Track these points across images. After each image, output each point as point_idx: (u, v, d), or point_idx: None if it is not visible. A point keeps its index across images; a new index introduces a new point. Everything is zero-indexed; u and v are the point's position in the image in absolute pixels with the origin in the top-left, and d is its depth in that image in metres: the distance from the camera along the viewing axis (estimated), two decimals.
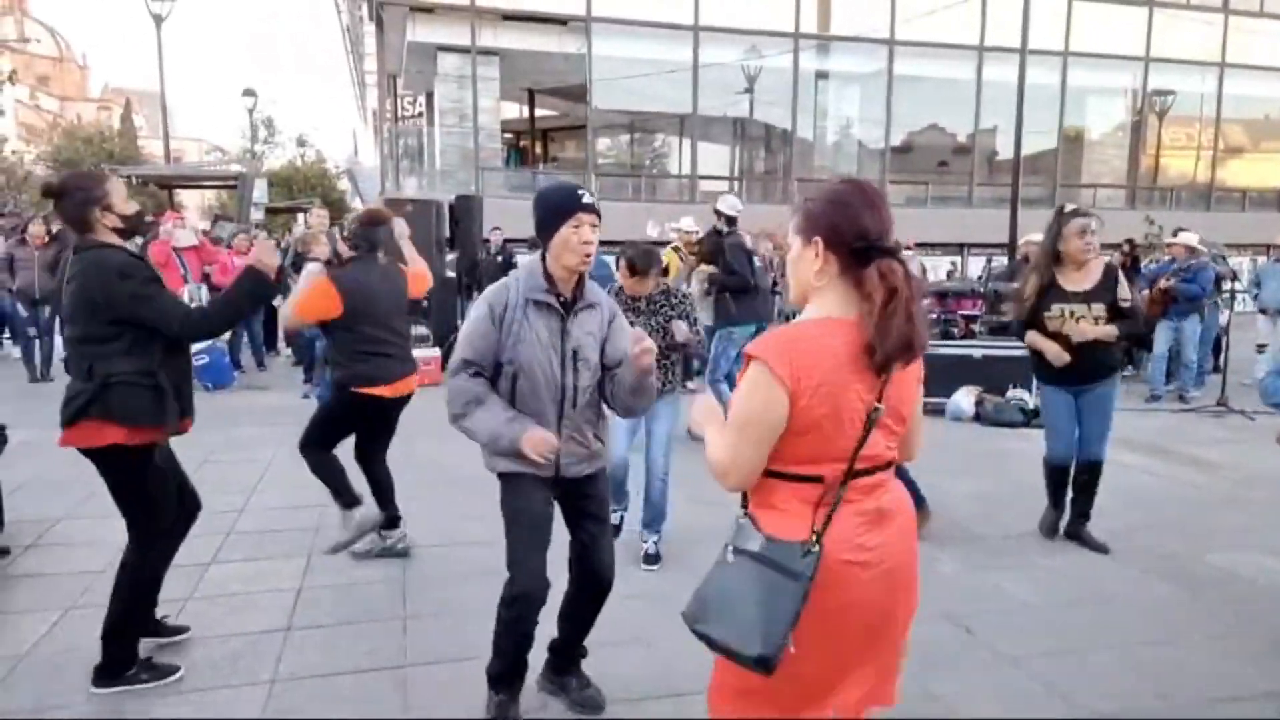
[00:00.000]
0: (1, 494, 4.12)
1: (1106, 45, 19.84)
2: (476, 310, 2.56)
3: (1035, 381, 4.53)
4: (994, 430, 7.06)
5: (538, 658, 2.84)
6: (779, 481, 1.70)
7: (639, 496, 4.29)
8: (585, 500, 2.73)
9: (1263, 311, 9.56)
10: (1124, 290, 4.19)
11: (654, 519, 4.20)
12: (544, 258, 2.55)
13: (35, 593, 3.69)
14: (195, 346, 8.04)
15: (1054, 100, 19.64)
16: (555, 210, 2.49)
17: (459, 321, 10.50)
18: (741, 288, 6.58)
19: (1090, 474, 4.43)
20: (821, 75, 19.83)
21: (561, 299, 2.56)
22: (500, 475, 2.65)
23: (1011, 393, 7.55)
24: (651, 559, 4.13)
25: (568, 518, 2.75)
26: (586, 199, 2.49)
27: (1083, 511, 4.48)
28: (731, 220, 6.87)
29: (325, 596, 3.71)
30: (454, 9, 16.86)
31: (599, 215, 2.52)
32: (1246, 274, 13.46)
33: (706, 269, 6.93)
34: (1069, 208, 4.36)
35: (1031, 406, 7.42)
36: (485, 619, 3.48)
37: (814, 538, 1.63)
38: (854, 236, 1.66)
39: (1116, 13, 19.83)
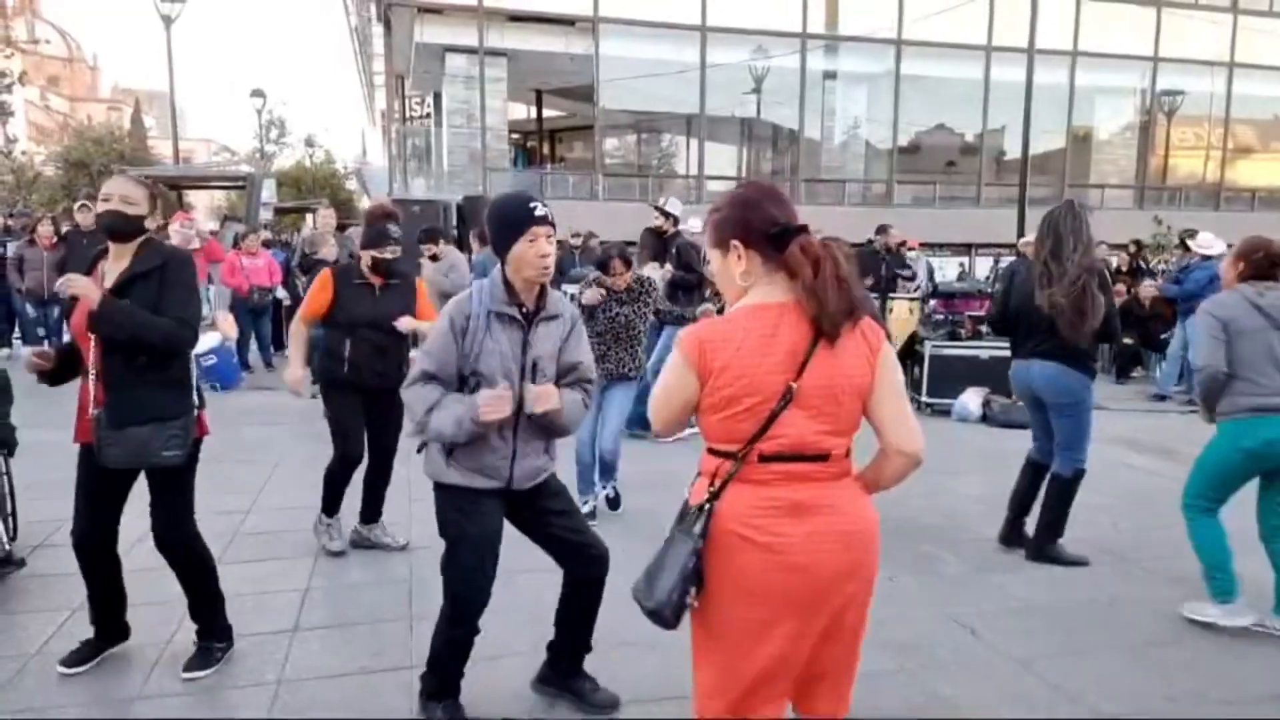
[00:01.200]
0: (16, 500, 4.15)
1: (1115, 45, 19.76)
2: (439, 322, 2.56)
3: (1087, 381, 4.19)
4: (1001, 431, 7.03)
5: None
6: (707, 455, 1.84)
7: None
8: (545, 500, 2.70)
9: None
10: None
11: (606, 470, 4.80)
12: (503, 269, 2.53)
13: (44, 593, 3.71)
14: (202, 347, 8.10)
15: (1062, 100, 19.56)
16: (509, 225, 2.48)
17: None
18: (697, 284, 6.77)
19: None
20: (829, 75, 19.80)
21: (524, 310, 2.55)
22: (443, 487, 2.58)
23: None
24: (613, 502, 4.88)
25: (534, 526, 2.72)
26: (539, 211, 2.48)
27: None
28: (676, 220, 7.06)
29: (332, 598, 3.72)
30: (461, 10, 16.90)
31: (554, 225, 2.53)
32: None
33: (667, 269, 7.04)
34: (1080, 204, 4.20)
35: None
36: (492, 619, 3.49)
37: (708, 497, 1.78)
38: (767, 225, 1.77)
39: (1125, 13, 19.74)
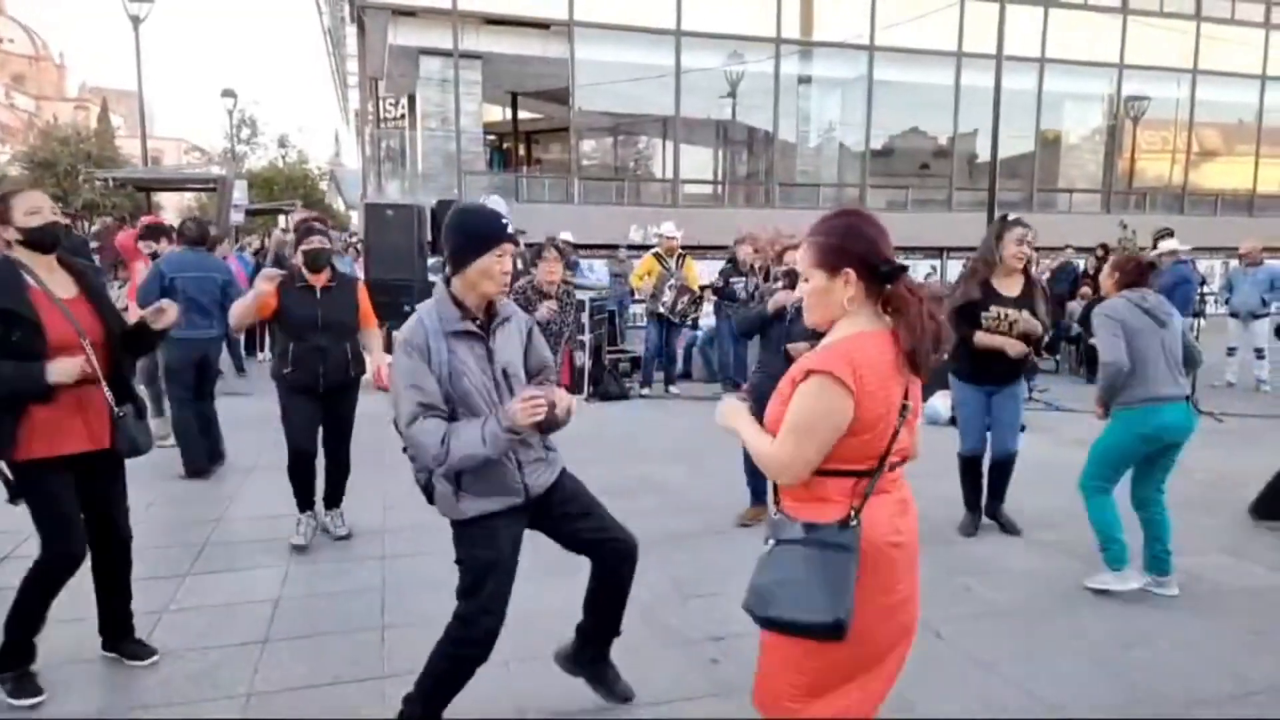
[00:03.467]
0: None
1: (1082, 52, 20.08)
2: (397, 359, 2.45)
3: (952, 380, 4.86)
4: None
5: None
6: (827, 479, 1.88)
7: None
8: (563, 506, 2.66)
9: (1234, 315, 9.72)
10: (1040, 306, 4.53)
11: None
12: (450, 284, 2.49)
13: (7, 607, 3.66)
14: None
15: (1031, 105, 19.84)
16: (480, 238, 2.45)
17: None
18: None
19: (1007, 465, 4.78)
20: (803, 80, 19.93)
21: (478, 322, 2.52)
22: (460, 524, 2.53)
23: None
24: None
25: (558, 533, 2.70)
26: (510, 228, 2.52)
27: (998, 494, 4.85)
28: None
29: (303, 607, 3.71)
30: (436, 12, 16.80)
31: (517, 243, 2.61)
32: (1219, 277, 13.69)
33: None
34: (1011, 217, 4.70)
35: None
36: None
37: (852, 513, 1.84)
38: (879, 261, 1.90)
39: (1091, 20, 20.09)
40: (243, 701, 2.92)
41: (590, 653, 2.84)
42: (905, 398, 1.89)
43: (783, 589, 1.83)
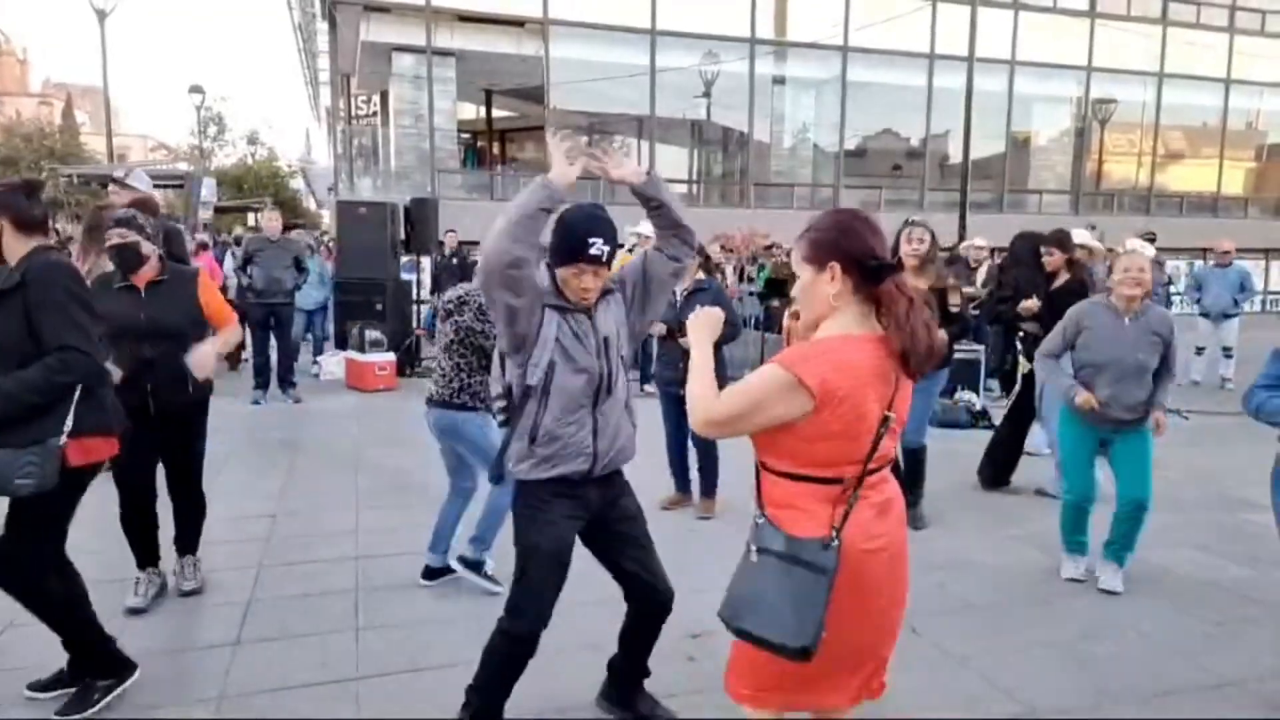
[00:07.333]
0: None
1: (1051, 55, 20.38)
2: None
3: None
4: (942, 432, 7.18)
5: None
6: (801, 484, 1.83)
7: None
8: (622, 525, 2.59)
9: (1204, 315, 9.86)
10: (952, 298, 4.68)
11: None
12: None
13: None
14: None
15: (1002, 107, 20.10)
16: (563, 250, 2.40)
17: (415, 326, 10.38)
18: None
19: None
20: (778, 80, 20.04)
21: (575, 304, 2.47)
22: (521, 486, 2.47)
23: (959, 395, 7.72)
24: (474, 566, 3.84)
25: (606, 545, 2.63)
26: (594, 250, 2.35)
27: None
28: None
29: (275, 608, 3.65)
30: (409, 9, 16.69)
31: (608, 264, 2.42)
32: (1184, 277, 13.94)
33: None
34: (912, 219, 4.85)
35: (979, 408, 7.60)
36: (440, 629, 3.48)
37: (833, 533, 1.78)
38: (866, 256, 1.84)
39: (1060, 23, 20.40)
40: (214, 704, 2.87)
41: (620, 684, 2.81)
42: (890, 406, 1.82)
43: (756, 604, 1.80)
